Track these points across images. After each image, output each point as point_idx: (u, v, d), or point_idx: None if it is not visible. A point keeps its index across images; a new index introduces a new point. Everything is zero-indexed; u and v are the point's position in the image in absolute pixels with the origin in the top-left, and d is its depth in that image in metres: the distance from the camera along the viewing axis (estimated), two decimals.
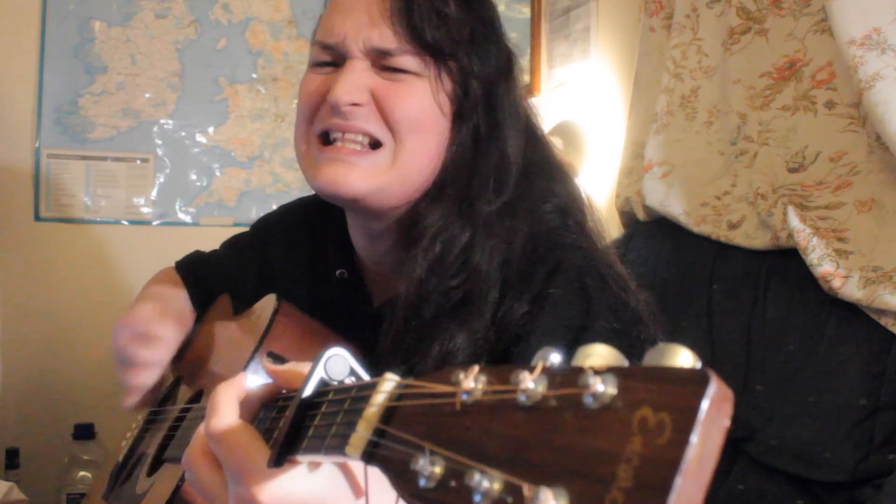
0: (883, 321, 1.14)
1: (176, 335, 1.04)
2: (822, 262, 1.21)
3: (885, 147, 1.19)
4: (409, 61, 0.86)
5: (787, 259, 1.29)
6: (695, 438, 0.29)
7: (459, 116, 0.89)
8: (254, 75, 2.24)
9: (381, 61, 0.87)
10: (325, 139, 0.88)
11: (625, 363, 0.34)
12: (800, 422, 1.20)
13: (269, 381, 0.61)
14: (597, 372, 0.32)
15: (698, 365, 0.32)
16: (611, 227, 1.66)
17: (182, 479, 0.82)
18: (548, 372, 0.35)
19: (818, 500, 1.16)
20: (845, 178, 1.26)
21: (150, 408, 1.13)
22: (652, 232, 1.63)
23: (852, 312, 1.18)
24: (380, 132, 0.87)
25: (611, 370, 0.32)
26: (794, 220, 1.27)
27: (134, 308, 1.07)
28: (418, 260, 0.85)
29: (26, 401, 2.06)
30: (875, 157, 1.23)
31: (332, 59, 0.89)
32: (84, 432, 1.91)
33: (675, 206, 1.56)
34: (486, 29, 0.91)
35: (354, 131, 0.87)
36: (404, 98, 0.86)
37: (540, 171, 0.92)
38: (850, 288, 1.17)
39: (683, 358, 0.32)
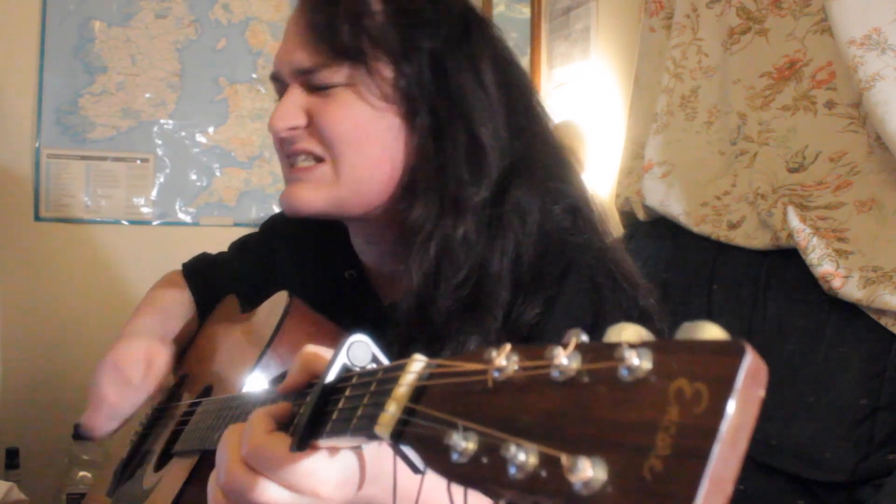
0: (883, 321, 1.14)
1: (150, 387, 1.03)
2: (822, 262, 1.21)
3: (885, 147, 1.19)
4: (331, 75, 0.86)
5: (787, 259, 1.29)
6: (732, 407, 0.29)
7: (409, 108, 0.86)
8: (254, 75, 2.24)
9: (308, 81, 0.88)
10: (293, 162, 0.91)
11: (655, 339, 0.34)
12: (800, 422, 1.20)
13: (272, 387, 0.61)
14: (632, 346, 0.33)
15: (729, 338, 0.32)
16: (611, 228, 1.66)
17: (192, 473, 0.81)
18: (581, 348, 0.35)
19: (818, 500, 1.16)
20: (845, 178, 1.26)
21: (155, 405, 1.13)
22: (652, 232, 1.63)
23: (852, 312, 1.18)
24: (319, 150, 0.88)
25: (646, 344, 0.33)
26: (794, 220, 1.27)
27: (120, 346, 1.05)
28: (416, 261, 0.84)
29: (26, 401, 2.06)
30: (875, 157, 1.23)
31: (280, 89, 0.91)
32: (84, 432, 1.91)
33: (675, 206, 1.56)
34: (418, 10, 0.88)
35: (297, 153, 0.89)
36: (332, 114, 0.86)
37: (547, 164, 0.90)
38: (850, 288, 1.17)
39: (715, 333, 0.32)
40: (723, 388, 0.29)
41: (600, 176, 1.91)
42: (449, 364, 0.42)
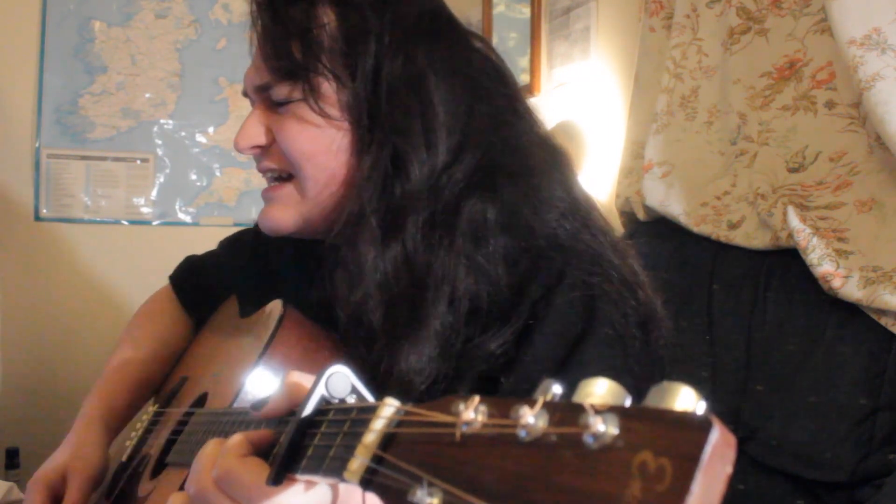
0: (883, 321, 1.14)
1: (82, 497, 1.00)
2: (822, 262, 1.21)
3: (885, 147, 1.19)
4: (283, 90, 0.86)
5: (787, 259, 1.29)
6: (696, 487, 0.28)
7: (351, 122, 0.85)
8: None
9: (267, 98, 0.88)
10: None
11: (627, 400, 0.34)
12: (800, 422, 1.20)
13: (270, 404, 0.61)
14: (598, 411, 0.32)
15: (702, 406, 0.31)
16: (610, 227, 1.65)
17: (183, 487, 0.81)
18: (549, 407, 0.35)
19: (818, 500, 1.16)
20: (845, 178, 1.26)
21: (156, 406, 1.13)
22: (652, 232, 1.63)
23: (852, 312, 1.18)
24: (282, 167, 0.89)
25: (612, 410, 0.32)
26: (794, 220, 1.27)
27: (52, 461, 1.03)
28: (337, 275, 0.83)
29: (26, 401, 2.07)
30: (875, 157, 1.23)
31: (252, 106, 0.93)
32: None
33: (675, 206, 1.56)
34: (363, 20, 0.85)
35: (264, 171, 0.91)
36: (286, 131, 0.86)
37: (525, 170, 0.85)
38: (850, 288, 1.17)
39: (686, 397, 0.31)
40: (687, 466, 0.28)
41: (600, 176, 1.91)
42: (419, 413, 0.42)
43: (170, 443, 0.97)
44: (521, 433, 0.34)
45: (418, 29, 0.86)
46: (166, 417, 1.06)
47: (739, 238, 1.40)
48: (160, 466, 0.97)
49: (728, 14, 1.51)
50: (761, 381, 1.28)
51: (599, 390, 0.34)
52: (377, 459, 0.43)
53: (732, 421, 1.29)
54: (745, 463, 1.26)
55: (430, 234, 0.81)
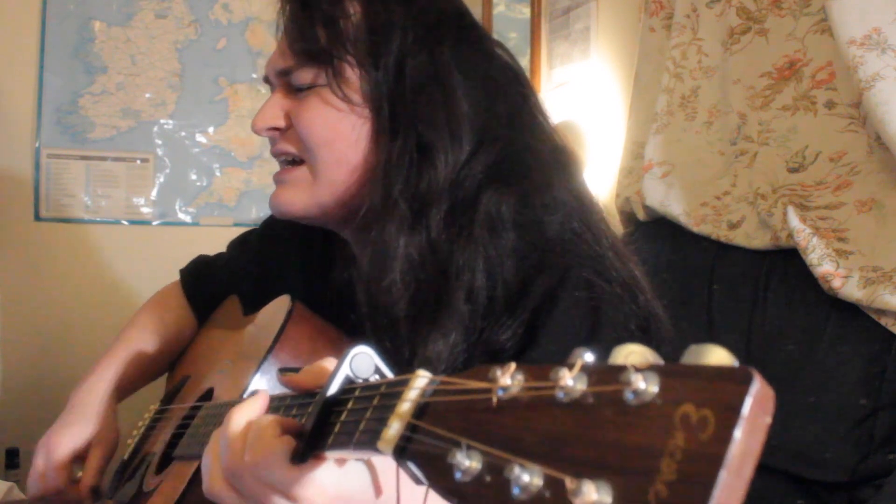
0: (883, 321, 1.14)
1: (58, 482, 1.04)
2: (822, 262, 1.21)
3: (885, 147, 1.19)
4: (306, 75, 0.87)
5: (787, 259, 1.29)
6: (739, 434, 0.29)
7: (372, 111, 0.86)
8: (254, 75, 2.24)
9: (289, 83, 0.89)
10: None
11: (661, 362, 0.34)
12: (800, 422, 1.20)
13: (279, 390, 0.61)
14: (638, 369, 0.33)
15: (737, 364, 0.32)
16: (612, 231, 1.65)
17: (194, 476, 0.81)
18: (586, 369, 0.35)
19: (818, 500, 1.16)
20: (845, 178, 1.26)
21: (159, 405, 1.13)
22: (652, 232, 1.63)
23: (852, 312, 1.18)
24: (296, 151, 0.90)
25: (652, 368, 0.32)
26: (794, 220, 1.27)
27: (60, 429, 1.08)
28: (361, 264, 0.84)
29: (26, 401, 2.06)
30: (875, 157, 1.23)
31: (271, 91, 0.93)
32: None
33: (675, 206, 1.56)
34: (389, 13, 0.87)
35: (278, 154, 0.92)
36: (305, 116, 0.88)
37: (536, 170, 0.87)
38: (850, 288, 1.17)
39: (722, 357, 0.32)
40: (730, 416, 0.29)
41: (600, 176, 1.91)
42: (453, 381, 0.42)
43: (176, 437, 0.97)
44: (560, 395, 0.35)
45: (442, 26, 0.89)
46: (169, 415, 1.06)
47: (739, 238, 1.40)
48: (166, 461, 0.96)
49: (728, 14, 1.51)
50: None
51: (636, 353, 0.35)
52: (412, 428, 0.43)
53: None
54: None
55: (451, 225, 0.83)
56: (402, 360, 0.79)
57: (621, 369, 0.33)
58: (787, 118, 1.37)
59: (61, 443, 1.04)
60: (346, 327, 0.92)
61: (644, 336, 0.80)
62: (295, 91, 0.89)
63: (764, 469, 1.21)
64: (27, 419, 2.04)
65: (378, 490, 0.56)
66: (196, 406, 0.97)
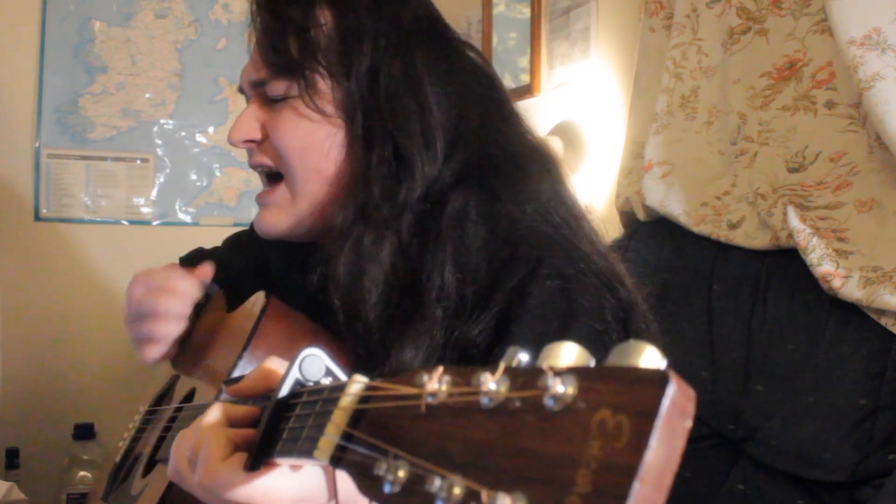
0: (883, 321, 1.14)
1: (195, 290, 0.99)
2: (822, 262, 1.21)
3: (885, 147, 1.19)
4: (279, 87, 0.87)
5: (787, 259, 1.29)
6: (653, 443, 0.28)
7: (346, 120, 0.86)
8: None
9: (263, 94, 0.89)
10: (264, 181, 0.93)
11: (590, 362, 0.33)
12: (800, 422, 1.20)
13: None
14: (556, 373, 0.32)
15: (663, 363, 0.31)
16: (611, 228, 1.66)
17: (172, 483, 0.81)
18: (510, 373, 0.34)
19: (818, 500, 1.16)
20: (845, 178, 1.26)
21: (148, 405, 1.13)
22: (652, 232, 1.63)
23: (852, 312, 1.18)
24: (273, 164, 0.90)
25: (571, 370, 0.31)
26: (794, 220, 1.27)
27: (147, 270, 1.04)
28: (334, 269, 0.84)
29: (26, 401, 2.06)
30: (875, 157, 1.23)
31: (247, 102, 0.93)
32: (84, 432, 1.91)
33: (675, 206, 1.56)
34: (360, 22, 0.87)
35: (255, 166, 0.92)
36: (279, 127, 0.87)
37: (509, 170, 0.87)
38: (850, 288, 1.17)
39: (648, 356, 0.31)
40: (644, 423, 0.28)
41: (600, 176, 1.91)
42: (385, 387, 0.42)
43: (161, 440, 0.97)
44: (484, 400, 0.34)
45: (414, 34, 0.88)
46: (158, 416, 1.06)
47: (739, 238, 1.40)
48: (151, 464, 0.96)
49: (728, 14, 1.51)
50: (761, 381, 1.28)
51: (564, 353, 0.34)
52: (346, 436, 0.43)
53: (732, 421, 1.29)
54: (745, 463, 1.26)
55: (421, 228, 0.83)
56: (378, 366, 0.79)
57: (540, 373, 0.32)
58: (787, 118, 1.37)
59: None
60: (329, 327, 0.92)
61: (622, 329, 0.80)
62: (270, 102, 0.89)
63: (764, 469, 1.21)
64: (27, 419, 2.04)
65: (331, 492, 0.56)
66: (179, 407, 0.97)
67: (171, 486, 0.81)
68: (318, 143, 0.86)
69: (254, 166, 0.93)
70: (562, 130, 1.97)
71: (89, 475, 1.85)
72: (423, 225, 0.83)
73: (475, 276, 0.80)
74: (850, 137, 1.26)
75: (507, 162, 0.88)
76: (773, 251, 1.33)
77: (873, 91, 1.17)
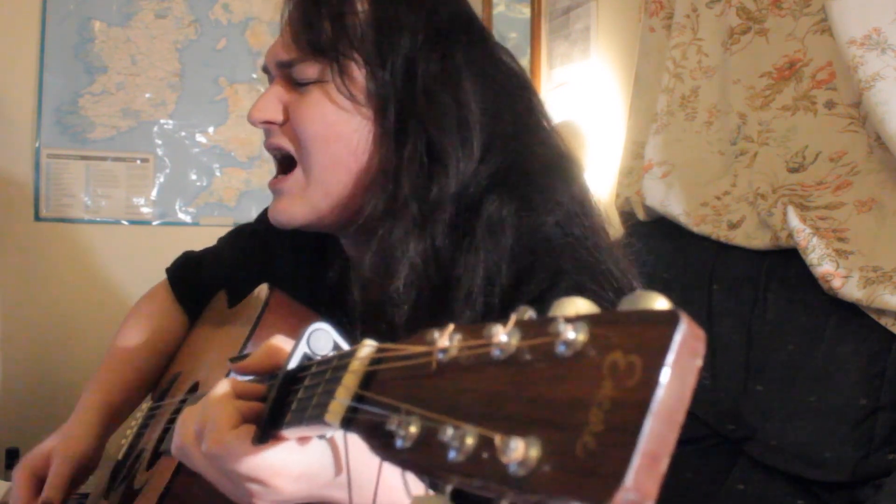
0: (883, 321, 1.14)
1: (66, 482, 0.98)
2: (822, 262, 1.21)
3: (885, 147, 1.19)
4: (308, 70, 0.85)
5: (787, 259, 1.29)
6: (664, 378, 0.28)
7: (378, 111, 0.84)
8: (254, 75, 2.24)
9: (289, 76, 0.87)
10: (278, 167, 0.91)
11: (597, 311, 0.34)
12: (800, 422, 1.20)
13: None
14: (568, 320, 0.32)
15: (669, 307, 0.31)
16: (611, 228, 1.66)
17: (178, 471, 0.81)
18: (521, 324, 0.35)
19: (818, 500, 1.16)
20: (845, 178, 1.26)
21: (152, 403, 1.13)
22: (652, 232, 1.63)
23: (852, 312, 1.18)
24: (290, 147, 0.87)
25: (581, 317, 0.32)
26: (794, 220, 1.27)
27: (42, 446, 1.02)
28: (365, 264, 0.83)
29: (26, 401, 2.07)
30: (875, 157, 1.23)
31: (270, 81, 0.91)
32: None
33: (675, 206, 1.56)
34: (398, 14, 0.85)
35: (270, 148, 0.89)
36: (304, 112, 0.85)
37: (538, 174, 0.86)
38: (850, 288, 1.17)
39: (658, 303, 0.31)
40: (655, 359, 0.28)
41: (600, 176, 1.91)
42: (396, 348, 0.42)
43: (164, 433, 0.97)
44: (496, 352, 0.34)
45: (454, 30, 0.87)
46: (161, 411, 1.06)
47: (739, 238, 1.40)
48: (155, 457, 0.97)
49: (728, 14, 1.51)
50: (761, 381, 1.28)
51: (574, 306, 0.34)
52: (358, 398, 0.43)
53: (732, 421, 1.29)
54: (745, 463, 1.26)
55: (454, 231, 0.81)
56: None
57: (551, 321, 0.32)
58: (787, 118, 1.37)
59: (25, 456, 1.01)
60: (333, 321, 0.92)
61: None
62: (296, 85, 0.87)
63: (764, 469, 1.20)
64: (27, 419, 2.04)
65: (339, 468, 0.56)
66: (182, 400, 0.97)
67: (176, 474, 0.81)
68: (344, 134, 0.85)
69: (269, 148, 0.90)
70: (564, 134, 1.97)
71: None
72: (456, 228, 0.82)
73: (501, 284, 0.79)
74: (850, 137, 1.26)
75: (539, 168, 0.87)
76: (773, 251, 1.33)
77: (873, 91, 1.17)
